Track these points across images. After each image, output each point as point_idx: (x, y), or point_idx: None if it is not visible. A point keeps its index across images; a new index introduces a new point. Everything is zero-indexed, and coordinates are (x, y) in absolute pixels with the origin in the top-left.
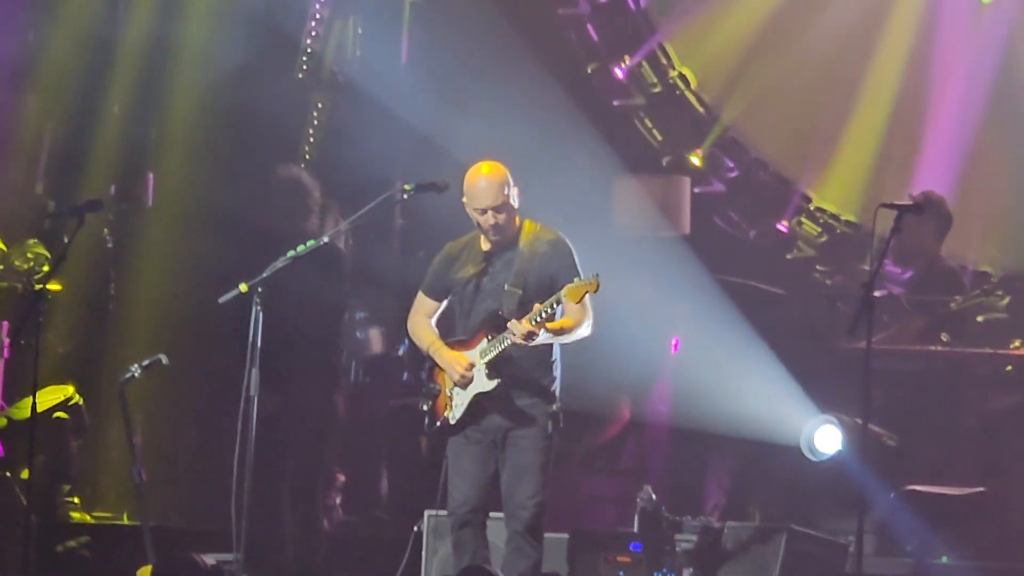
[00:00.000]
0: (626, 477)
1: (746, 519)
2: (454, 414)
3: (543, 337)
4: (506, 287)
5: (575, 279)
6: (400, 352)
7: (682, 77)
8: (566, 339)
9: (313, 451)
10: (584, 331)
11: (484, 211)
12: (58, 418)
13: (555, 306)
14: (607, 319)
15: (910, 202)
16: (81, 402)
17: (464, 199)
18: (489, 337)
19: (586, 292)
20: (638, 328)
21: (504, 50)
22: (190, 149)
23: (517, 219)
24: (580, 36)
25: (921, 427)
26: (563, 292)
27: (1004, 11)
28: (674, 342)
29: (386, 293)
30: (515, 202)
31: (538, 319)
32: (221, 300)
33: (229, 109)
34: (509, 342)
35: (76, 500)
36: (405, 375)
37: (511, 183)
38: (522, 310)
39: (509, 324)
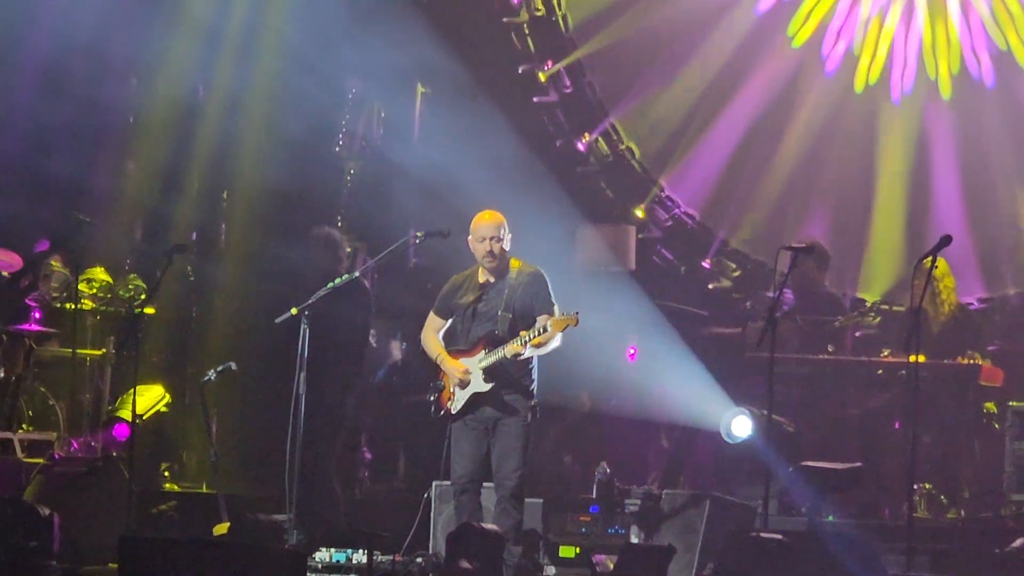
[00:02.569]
0: (587, 455)
1: (678, 488)
2: (455, 405)
3: (528, 352)
4: (499, 312)
5: (560, 313)
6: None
7: (628, 149)
8: (544, 351)
9: (336, 437)
10: (556, 343)
11: (484, 239)
12: (159, 411)
13: (540, 332)
14: (573, 335)
15: (803, 245)
16: (170, 399)
17: (470, 236)
18: (487, 350)
19: (567, 325)
20: (596, 342)
21: (493, 129)
22: (254, 205)
23: (506, 259)
24: (551, 118)
25: (813, 417)
26: (549, 323)
27: (874, 100)
28: (632, 352)
29: (402, 315)
30: (507, 244)
31: (525, 341)
32: (277, 320)
33: (283, 173)
34: (502, 355)
35: (167, 474)
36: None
37: (507, 228)
38: (512, 330)
39: (506, 346)
